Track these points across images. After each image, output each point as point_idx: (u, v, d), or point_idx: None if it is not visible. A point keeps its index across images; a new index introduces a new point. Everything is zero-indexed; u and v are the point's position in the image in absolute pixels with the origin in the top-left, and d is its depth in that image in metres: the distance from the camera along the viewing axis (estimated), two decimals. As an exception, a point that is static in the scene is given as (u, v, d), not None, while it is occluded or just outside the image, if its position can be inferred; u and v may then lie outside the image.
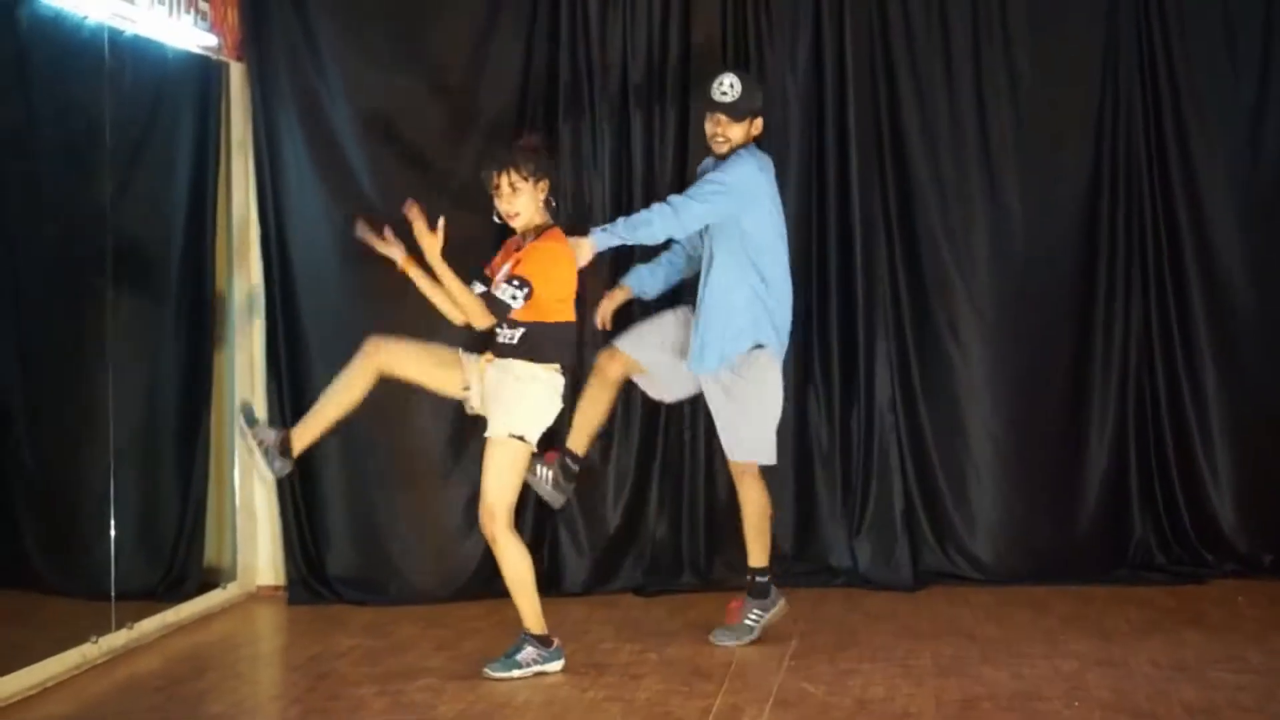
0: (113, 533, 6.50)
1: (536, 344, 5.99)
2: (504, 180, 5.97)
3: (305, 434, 6.13)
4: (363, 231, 6.10)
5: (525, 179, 5.95)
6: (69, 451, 6.70)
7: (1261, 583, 7.29)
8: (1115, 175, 7.43)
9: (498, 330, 6.04)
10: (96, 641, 6.27)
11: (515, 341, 5.99)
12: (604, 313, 6.65)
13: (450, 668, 6.11)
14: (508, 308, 5.90)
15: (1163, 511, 7.49)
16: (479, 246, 6.46)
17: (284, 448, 6.08)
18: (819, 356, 7.47)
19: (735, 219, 6.31)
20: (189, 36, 7.02)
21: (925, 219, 7.45)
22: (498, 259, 6.19)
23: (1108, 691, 5.59)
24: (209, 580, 7.28)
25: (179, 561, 7.13)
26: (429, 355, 6.09)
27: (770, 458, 6.48)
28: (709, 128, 6.38)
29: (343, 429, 7.11)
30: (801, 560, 7.45)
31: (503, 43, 7.40)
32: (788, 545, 7.42)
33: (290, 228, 7.37)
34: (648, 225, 6.25)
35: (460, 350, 6.13)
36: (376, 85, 7.37)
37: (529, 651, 6.01)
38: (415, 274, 5.98)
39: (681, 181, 7.27)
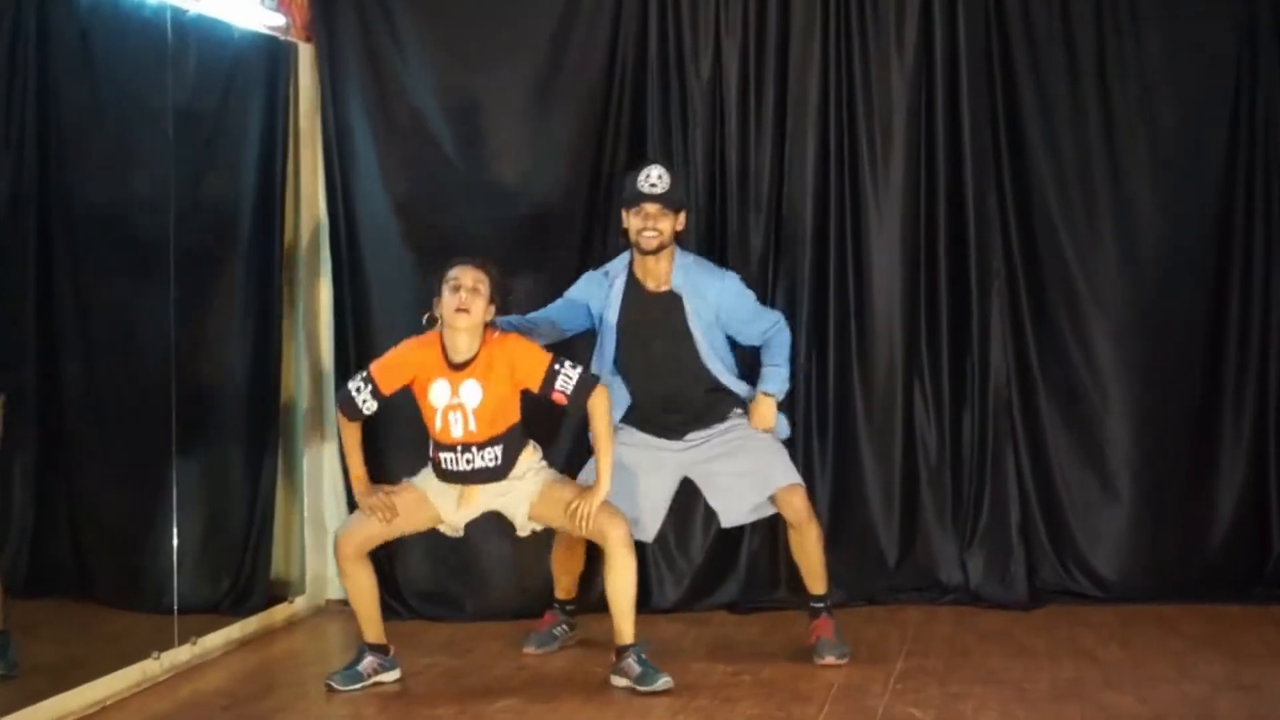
0: (175, 543, 6.39)
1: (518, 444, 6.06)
2: (464, 275, 5.86)
3: (369, 628, 6.18)
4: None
5: (484, 280, 5.88)
6: (130, 459, 6.56)
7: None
8: (1252, 169, 7.19)
9: (466, 455, 5.98)
10: (158, 657, 6.16)
11: (500, 462, 6.00)
12: None
13: (533, 689, 5.97)
14: (584, 374, 5.94)
15: (1305, 524, 7.30)
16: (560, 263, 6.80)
17: (379, 651, 6.15)
18: (928, 357, 7.28)
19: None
20: (255, 16, 6.93)
21: (1044, 213, 7.23)
22: (397, 361, 6.06)
23: (1242, 718, 5.42)
24: (276, 594, 7.18)
25: (244, 574, 7.03)
26: (391, 516, 6.04)
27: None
28: (636, 222, 6.20)
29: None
30: (908, 575, 7.29)
31: (588, 30, 7.25)
32: (893, 559, 7.28)
33: (360, 222, 7.25)
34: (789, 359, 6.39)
35: (424, 483, 6.11)
36: (455, 69, 7.24)
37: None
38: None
39: (780, 176, 7.17)
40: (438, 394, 5.93)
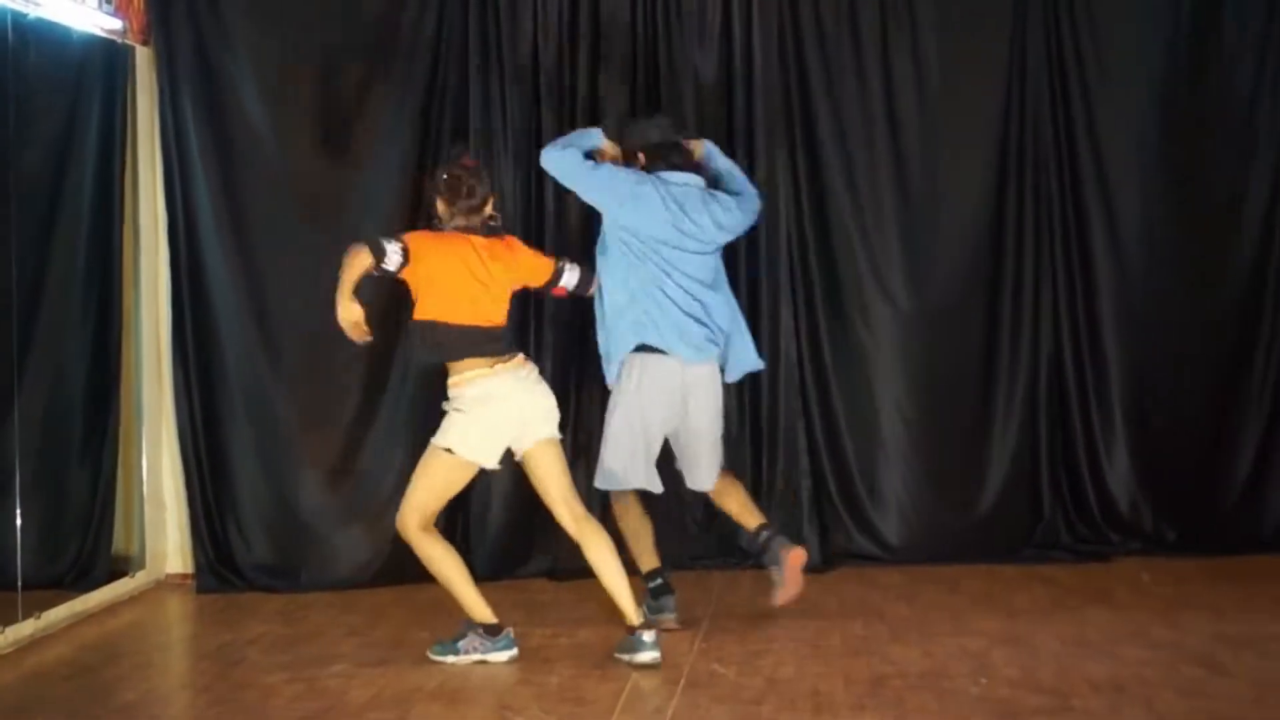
0: (19, 521, 6.43)
1: None
2: (470, 204, 5.98)
3: (475, 607, 6.04)
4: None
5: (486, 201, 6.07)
6: None
7: (1165, 560, 7.38)
8: (1023, 153, 7.50)
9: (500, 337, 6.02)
10: (3, 631, 6.21)
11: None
12: None
13: (362, 654, 6.08)
14: (581, 271, 6.25)
15: (1067, 491, 7.58)
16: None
17: (489, 631, 6.03)
18: None
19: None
20: (93, 19, 6.95)
21: (834, 199, 7.48)
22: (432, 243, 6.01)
23: (1015, 669, 5.64)
24: (117, 568, 7.22)
25: (86, 550, 7.07)
26: (441, 482, 6.00)
27: None
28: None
29: (253, 411, 7.25)
30: (711, 542, 7.46)
31: (414, 14, 7.35)
32: (695, 528, 7.45)
33: (198, 218, 7.30)
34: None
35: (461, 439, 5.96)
36: (287, 66, 7.31)
37: (470, 640, 6.00)
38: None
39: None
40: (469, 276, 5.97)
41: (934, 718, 5.14)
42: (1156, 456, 7.56)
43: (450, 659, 5.98)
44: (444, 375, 5.99)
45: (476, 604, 6.01)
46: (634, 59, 7.43)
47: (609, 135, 6.59)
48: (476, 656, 5.97)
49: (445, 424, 5.96)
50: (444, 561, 6.00)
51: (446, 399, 5.98)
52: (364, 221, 7.02)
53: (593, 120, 7.20)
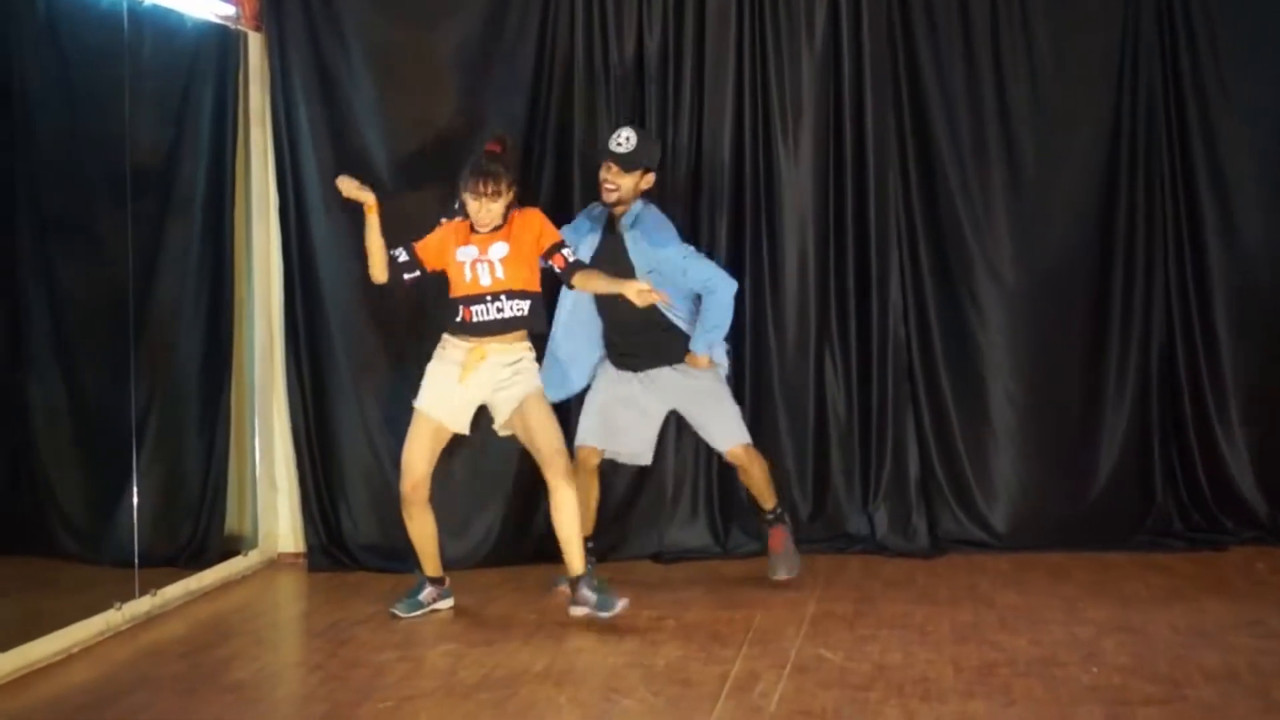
0: (135, 500, 6.53)
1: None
2: (484, 188, 6.25)
3: (429, 563, 6.58)
4: (343, 181, 6.34)
5: (501, 191, 6.28)
6: (92, 420, 6.73)
7: (1281, 549, 7.28)
8: (1135, 135, 7.43)
9: (497, 304, 6.28)
10: (120, 608, 6.29)
11: (527, 314, 6.36)
12: None
13: (471, 634, 6.12)
14: (582, 260, 6.41)
15: (1181, 478, 7.50)
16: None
17: (437, 582, 6.59)
18: (836, 323, 7.49)
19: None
20: (207, 6, 7.03)
21: (944, 183, 7.45)
22: (438, 238, 6.41)
23: (1126, 657, 5.59)
24: (230, 548, 7.31)
25: (201, 529, 7.17)
26: (427, 446, 6.42)
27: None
28: (601, 174, 6.67)
29: (360, 397, 7.35)
30: (819, 527, 7.48)
31: (519, 17, 7.40)
32: (805, 512, 7.47)
33: (308, 201, 7.39)
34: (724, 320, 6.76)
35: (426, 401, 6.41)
36: (398, 59, 7.38)
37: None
38: (372, 221, 6.32)
39: (698, 158, 7.41)
40: (465, 253, 6.32)
41: (1043, 705, 5.09)
42: (1272, 443, 7.44)
43: (418, 612, 6.44)
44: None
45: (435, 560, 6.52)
46: (739, 56, 7.45)
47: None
48: (435, 606, 6.49)
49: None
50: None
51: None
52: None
53: (697, 116, 7.37)
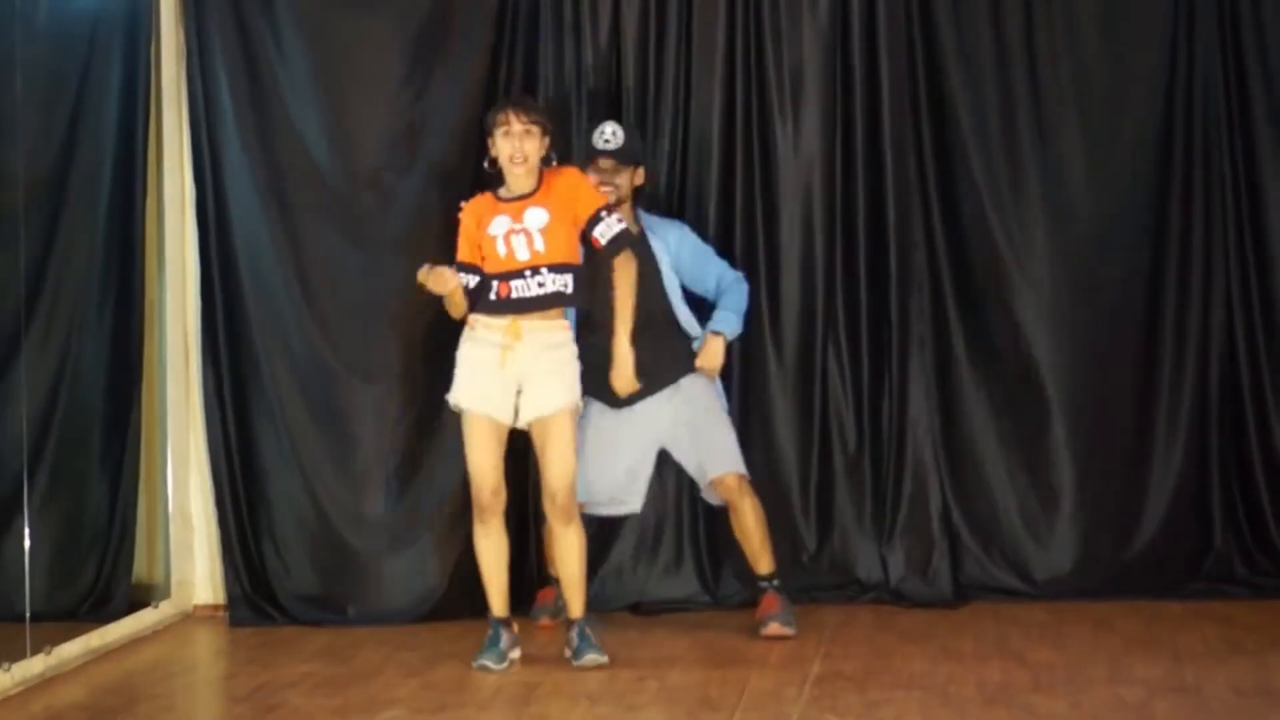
0: (26, 544, 6.45)
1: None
2: (516, 120, 6.25)
3: (500, 600, 6.53)
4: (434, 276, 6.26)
5: (537, 124, 6.29)
6: None
7: (1358, 597, 7.26)
8: (1190, 142, 7.34)
9: (538, 278, 6.29)
10: (9, 670, 6.16)
11: (572, 290, 6.35)
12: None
13: (419, 698, 6.01)
14: (628, 231, 6.43)
15: (1244, 517, 7.42)
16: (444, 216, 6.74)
17: (508, 627, 6.49)
18: (846, 340, 7.42)
19: None
20: None
21: (970, 187, 7.39)
22: (467, 229, 6.38)
23: (1180, 722, 5.54)
24: (138, 599, 7.22)
25: (104, 576, 7.08)
26: (491, 447, 6.37)
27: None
28: (593, 177, 6.73)
29: (294, 422, 7.29)
30: (825, 573, 7.41)
31: None
32: (808, 555, 7.41)
33: (231, 191, 7.30)
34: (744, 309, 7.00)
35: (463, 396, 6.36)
36: (331, 24, 7.29)
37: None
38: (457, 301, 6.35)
39: (684, 139, 7.38)
40: (497, 225, 6.29)
41: (1086, 780, 5.02)
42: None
43: (505, 664, 6.39)
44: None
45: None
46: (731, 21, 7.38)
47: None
48: (513, 656, 6.44)
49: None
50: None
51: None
52: (429, 194, 7.15)
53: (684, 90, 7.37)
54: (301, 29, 7.25)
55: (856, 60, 7.34)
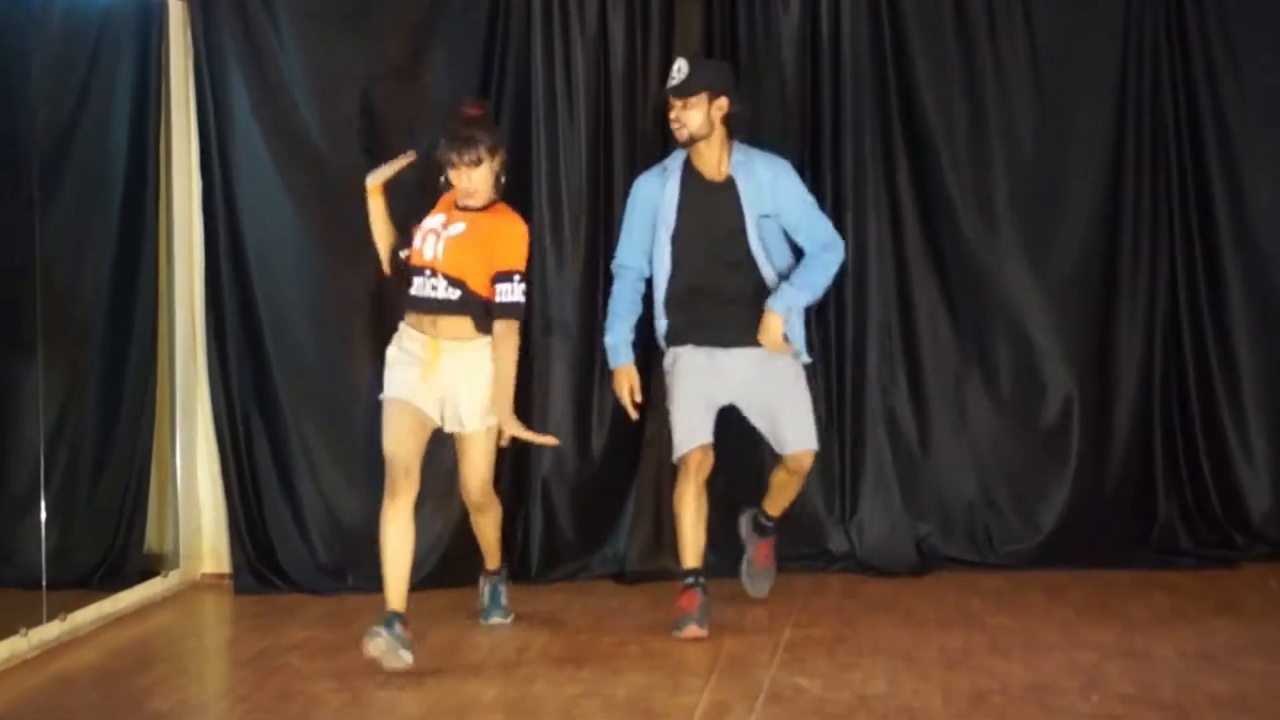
0: (43, 516, 6.51)
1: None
2: (459, 159, 6.17)
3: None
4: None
5: (481, 159, 6.17)
6: None
7: (1299, 565, 7.31)
8: (1140, 129, 7.45)
9: (432, 282, 6.21)
10: (26, 634, 6.25)
11: (457, 299, 6.19)
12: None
13: (416, 662, 6.02)
14: (521, 304, 6.18)
15: (1189, 490, 7.51)
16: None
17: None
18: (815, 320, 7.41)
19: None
20: None
21: (933, 160, 7.48)
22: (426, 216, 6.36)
23: (1129, 684, 5.61)
24: (148, 568, 7.27)
25: (117, 547, 7.14)
26: (409, 426, 6.21)
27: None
28: (669, 117, 6.58)
29: (295, 402, 7.35)
30: (795, 543, 7.39)
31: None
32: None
33: (237, 186, 7.35)
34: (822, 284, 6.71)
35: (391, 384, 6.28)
36: (331, 32, 7.36)
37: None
38: (376, 202, 6.36)
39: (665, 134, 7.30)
40: (431, 221, 6.28)
41: (1040, 737, 5.11)
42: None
43: (510, 618, 6.65)
44: None
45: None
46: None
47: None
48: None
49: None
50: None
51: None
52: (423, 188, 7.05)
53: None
54: (305, 29, 7.31)
55: (825, 63, 7.43)
